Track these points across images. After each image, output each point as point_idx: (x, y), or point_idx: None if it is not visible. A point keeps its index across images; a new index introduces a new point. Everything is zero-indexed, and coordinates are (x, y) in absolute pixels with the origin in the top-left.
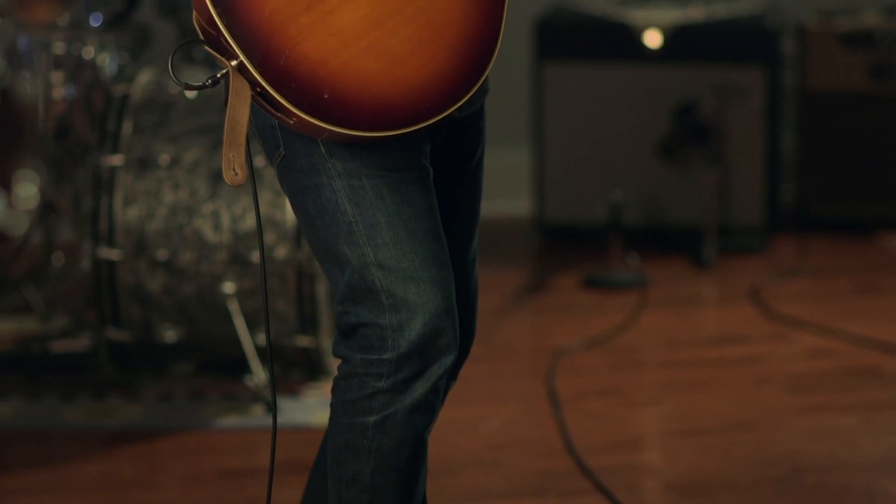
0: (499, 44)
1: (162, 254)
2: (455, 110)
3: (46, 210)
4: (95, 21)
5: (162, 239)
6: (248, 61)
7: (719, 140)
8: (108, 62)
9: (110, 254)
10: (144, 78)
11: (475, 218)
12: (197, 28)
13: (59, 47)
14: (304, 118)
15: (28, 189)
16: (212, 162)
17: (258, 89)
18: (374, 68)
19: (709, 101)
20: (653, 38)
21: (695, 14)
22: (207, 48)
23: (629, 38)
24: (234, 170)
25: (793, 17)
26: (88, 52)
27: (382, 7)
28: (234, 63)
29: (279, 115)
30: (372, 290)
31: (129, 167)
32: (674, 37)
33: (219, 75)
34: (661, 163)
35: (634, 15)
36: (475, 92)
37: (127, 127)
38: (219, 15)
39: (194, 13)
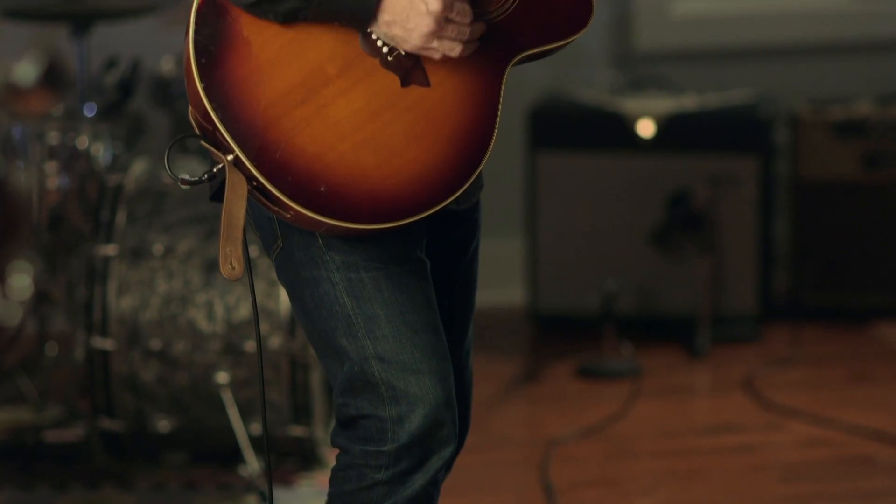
0: (495, 135)
1: (155, 343)
2: (452, 202)
3: (40, 300)
4: (89, 111)
5: (155, 329)
6: (243, 155)
7: (712, 229)
8: (102, 152)
9: (104, 343)
10: (138, 168)
11: (470, 309)
12: (193, 122)
13: (53, 137)
14: (300, 212)
15: (22, 280)
16: (206, 252)
17: (254, 183)
18: (370, 161)
19: (702, 190)
20: (646, 128)
21: (688, 103)
22: (203, 143)
23: (622, 127)
24: (231, 264)
25: (786, 106)
26: (83, 142)
27: (378, 99)
28: (230, 157)
29: (276, 208)
30: (371, 382)
31: (123, 257)
32: (667, 126)
33: (215, 170)
34: (655, 252)
35: (628, 104)
36: (471, 185)
37: (121, 217)
38: (214, 109)
39: (190, 108)
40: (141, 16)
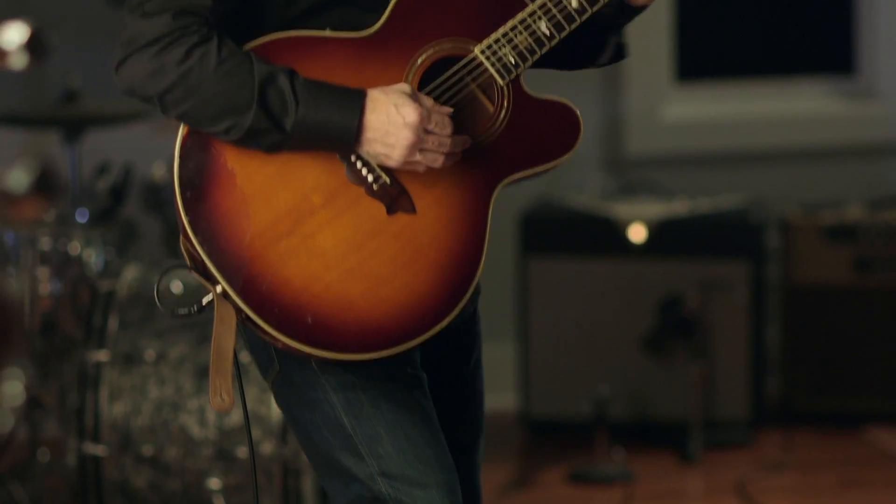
0: (482, 260)
1: (147, 450)
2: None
3: (32, 406)
4: (81, 217)
5: (147, 435)
6: (230, 288)
7: (704, 334)
8: (94, 258)
9: (96, 449)
10: (130, 273)
11: (479, 419)
12: (184, 252)
13: (45, 243)
14: (288, 343)
15: (14, 386)
16: (197, 358)
17: (243, 315)
18: (357, 290)
19: (693, 296)
20: (637, 233)
21: (679, 208)
22: (194, 273)
23: (614, 232)
24: (221, 396)
25: (777, 210)
26: (74, 247)
27: (364, 228)
28: (218, 289)
29: (266, 338)
30: (380, 499)
31: (115, 363)
32: (658, 231)
33: (204, 302)
34: (647, 357)
35: (619, 209)
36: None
37: (113, 322)
38: (200, 243)
39: (181, 238)
40: (132, 122)
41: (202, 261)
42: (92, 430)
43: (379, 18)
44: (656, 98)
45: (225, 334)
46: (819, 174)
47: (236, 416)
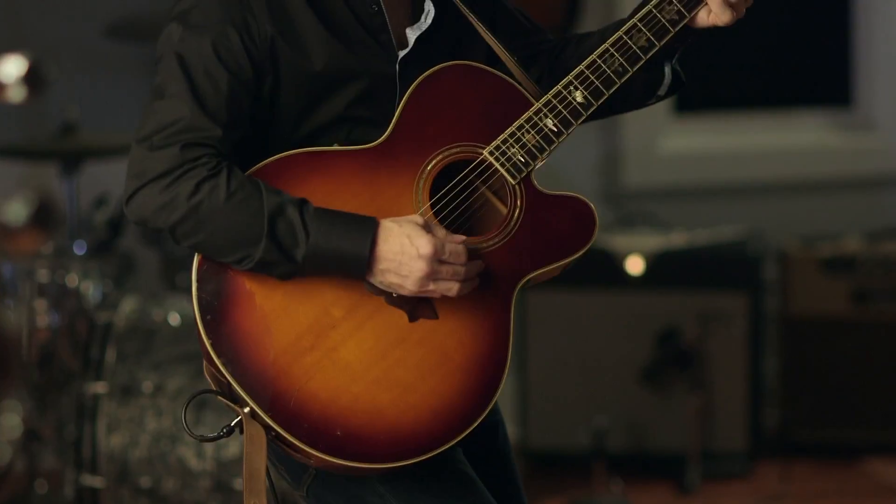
0: (509, 360)
1: (145, 481)
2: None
3: (30, 438)
4: (79, 249)
5: (145, 466)
6: (258, 407)
7: (702, 365)
8: (91, 290)
9: (93, 481)
10: (128, 305)
11: (519, 491)
12: (209, 377)
13: (42, 275)
14: (320, 457)
15: (12, 418)
16: (195, 389)
17: (272, 433)
18: (385, 399)
19: (691, 327)
20: (635, 265)
21: (677, 240)
22: (220, 398)
23: (612, 264)
24: None
25: (775, 242)
26: (72, 279)
27: (387, 337)
28: (245, 410)
29: (297, 455)
30: None
31: (113, 395)
32: (656, 263)
33: (233, 424)
34: (645, 388)
35: (617, 241)
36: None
37: (110, 354)
38: (224, 364)
39: (205, 363)
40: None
41: (228, 383)
42: (90, 462)
43: (384, 131)
44: (654, 130)
45: (255, 454)
46: (817, 206)
47: (234, 448)
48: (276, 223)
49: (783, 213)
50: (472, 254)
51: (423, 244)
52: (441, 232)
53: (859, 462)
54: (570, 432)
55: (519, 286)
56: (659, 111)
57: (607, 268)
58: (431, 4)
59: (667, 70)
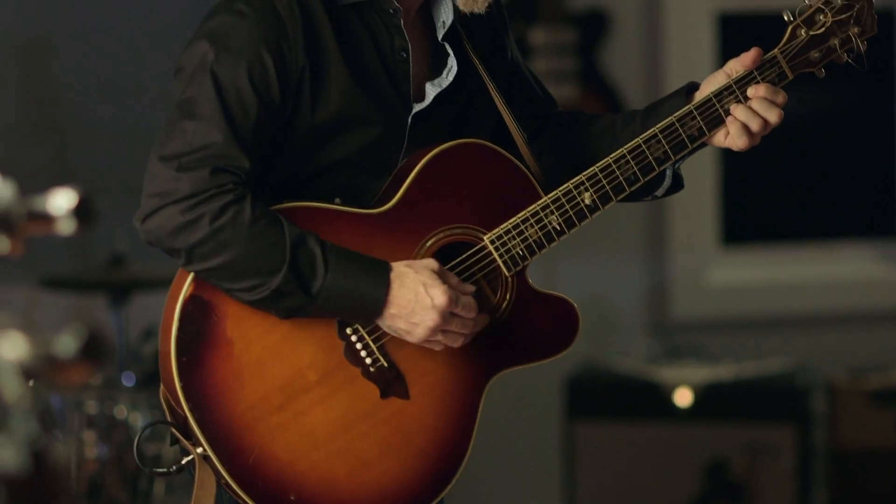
0: (469, 450)
1: None
2: None
3: None
4: (128, 380)
5: None
6: (216, 458)
7: (751, 499)
8: (140, 421)
9: None
10: None
11: None
12: (164, 404)
13: (91, 406)
14: None
15: None
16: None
17: (223, 482)
18: (342, 471)
19: (739, 460)
20: (683, 397)
21: (724, 372)
22: (174, 430)
23: (660, 396)
24: None
25: (823, 374)
26: (121, 411)
27: (356, 410)
28: (199, 451)
29: None
30: None
31: None
32: (704, 395)
33: (184, 462)
34: None
35: (664, 373)
36: None
37: (159, 487)
38: (191, 410)
39: (162, 388)
40: None
41: (185, 419)
42: None
43: (382, 184)
44: (702, 262)
45: (205, 499)
46: (864, 338)
47: None
48: (298, 253)
49: (831, 344)
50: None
51: (438, 294)
52: (454, 280)
53: None
54: None
55: (493, 378)
56: (707, 243)
57: (655, 400)
58: (455, 61)
59: (668, 173)
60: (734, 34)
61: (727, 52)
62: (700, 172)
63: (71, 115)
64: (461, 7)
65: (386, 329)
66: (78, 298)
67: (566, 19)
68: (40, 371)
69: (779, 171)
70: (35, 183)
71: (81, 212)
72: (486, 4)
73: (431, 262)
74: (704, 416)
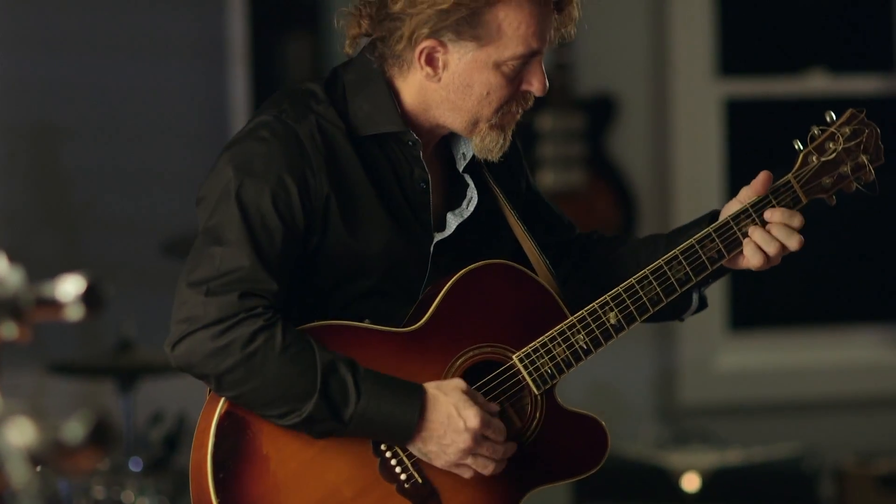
0: None
1: None
2: None
3: None
4: (135, 466)
5: None
6: None
7: None
8: None
9: None
10: None
11: None
12: None
13: (98, 492)
14: None
15: None
16: None
17: None
18: None
19: None
20: (691, 482)
21: (733, 457)
22: None
23: (668, 481)
24: None
25: (831, 459)
26: (128, 496)
27: None
28: None
29: None
30: None
31: None
32: (712, 481)
33: None
34: None
35: (672, 458)
36: None
37: None
38: None
39: None
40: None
41: None
42: None
43: (408, 310)
44: (710, 347)
45: None
46: (873, 422)
47: None
48: (329, 380)
49: (839, 429)
50: None
51: (471, 416)
52: (481, 399)
53: None
54: None
55: (527, 496)
56: (714, 328)
57: (663, 485)
58: (475, 192)
59: (694, 297)
60: (742, 120)
61: (735, 137)
62: None
63: (79, 202)
64: (477, 154)
65: (416, 453)
66: (85, 384)
67: (574, 105)
68: (48, 457)
69: (786, 256)
70: (43, 269)
71: (89, 298)
72: (502, 153)
73: (460, 383)
74: (712, 501)
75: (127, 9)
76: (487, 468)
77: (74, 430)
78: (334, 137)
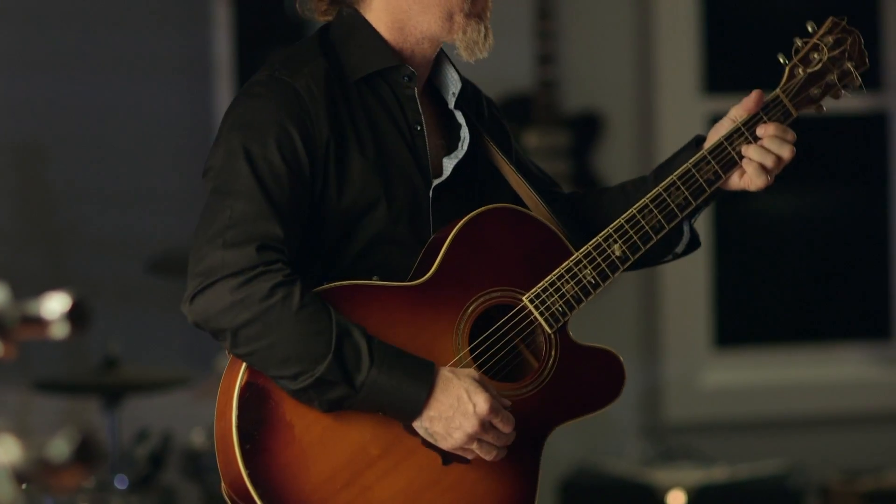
0: (535, 502)
1: None
2: None
3: None
4: (121, 483)
5: None
6: None
7: None
8: None
9: None
10: None
11: None
12: (226, 498)
13: None
14: None
15: None
16: None
17: None
18: None
19: None
20: (677, 500)
21: (718, 475)
22: None
23: (653, 499)
24: None
25: (816, 476)
26: None
27: (420, 479)
28: None
29: None
30: None
31: None
32: (698, 498)
33: None
34: None
35: (658, 476)
36: None
37: None
38: (260, 496)
39: (224, 486)
40: (171, 389)
41: None
42: None
43: (415, 259)
44: (695, 364)
45: None
46: (858, 439)
47: None
48: (344, 343)
49: (824, 446)
50: (507, 399)
51: (481, 402)
52: (493, 391)
53: None
54: None
55: (549, 434)
56: (699, 345)
57: (649, 502)
58: (468, 131)
59: (685, 229)
60: None
61: None
62: (693, 274)
63: (64, 220)
64: (465, 56)
65: (422, 433)
66: (71, 401)
67: (560, 122)
68: (33, 474)
69: (771, 273)
70: (29, 287)
71: (75, 315)
72: (488, 49)
73: (473, 371)
74: None
75: (112, 27)
76: (490, 454)
77: (60, 447)
78: (330, 87)
